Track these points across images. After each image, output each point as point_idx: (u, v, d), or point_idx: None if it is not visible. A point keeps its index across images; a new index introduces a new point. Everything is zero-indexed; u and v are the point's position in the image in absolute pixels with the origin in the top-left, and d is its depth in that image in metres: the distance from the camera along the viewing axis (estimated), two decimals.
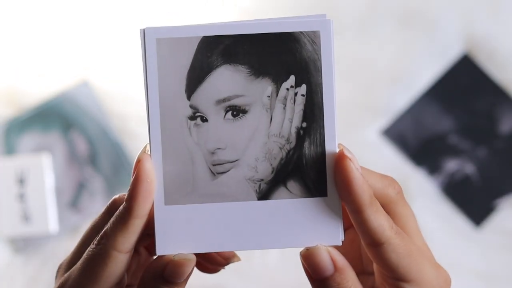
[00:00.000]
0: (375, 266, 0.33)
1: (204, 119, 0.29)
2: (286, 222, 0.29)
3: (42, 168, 0.80)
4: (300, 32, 0.28)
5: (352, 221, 0.30)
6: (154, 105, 0.29)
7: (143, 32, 0.29)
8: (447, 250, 0.80)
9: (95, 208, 0.81)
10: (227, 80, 0.29)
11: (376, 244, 0.30)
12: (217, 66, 0.29)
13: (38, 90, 0.83)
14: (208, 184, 0.29)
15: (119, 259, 0.30)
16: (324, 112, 0.29)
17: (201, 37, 0.28)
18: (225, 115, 0.29)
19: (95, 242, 0.31)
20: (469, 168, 0.82)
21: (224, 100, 0.29)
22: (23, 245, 0.80)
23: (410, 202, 0.89)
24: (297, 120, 0.29)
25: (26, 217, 0.80)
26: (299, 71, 0.29)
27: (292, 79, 0.29)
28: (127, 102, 0.83)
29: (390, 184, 0.32)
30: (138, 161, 0.29)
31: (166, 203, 0.30)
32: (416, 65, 0.82)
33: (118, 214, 0.30)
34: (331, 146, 0.29)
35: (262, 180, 0.29)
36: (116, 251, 0.30)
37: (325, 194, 0.29)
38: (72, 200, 0.81)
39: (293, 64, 0.28)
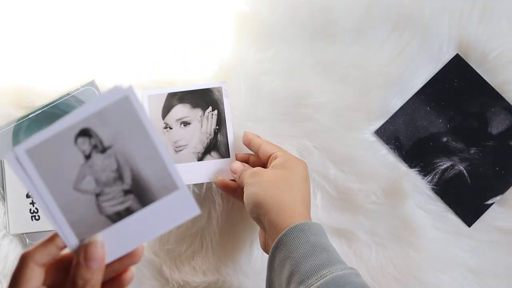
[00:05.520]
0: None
1: (171, 128, 0.68)
2: (211, 170, 0.69)
3: None
4: (212, 88, 0.63)
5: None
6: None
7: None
8: (440, 247, 0.81)
9: None
10: (180, 110, 0.65)
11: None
12: (175, 105, 0.67)
13: (45, 90, 0.82)
14: (174, 155, 0.68)
15: (35, 270, 0.43)
16: (226, 121, 0.71)
17: (167, 93, 0.62)
18: (180, 126, 0.64)
19: (19, 258, 0.44)
20: (461, 168, 0.82)
21: (179, 119, 0.64)
22: (33, 241, 0.81)
23: (404, 201, 0.89)
24: (214, 125, 0.70)
25: (36, 215, 0.81)
26: (213, 104, 0.71)
27: (210, 108, 0.62)
28: None
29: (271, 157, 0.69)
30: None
31: None
32: (410, 68, 0.83)
33: (44, 239, 0.44)
34: (231, 137, 0.72)
35: (198, 152, 0.67)
36: (33, 263, 0.43)
37: (228, 156, 0.70)
38: None
39: (210, 101, 0.69)
